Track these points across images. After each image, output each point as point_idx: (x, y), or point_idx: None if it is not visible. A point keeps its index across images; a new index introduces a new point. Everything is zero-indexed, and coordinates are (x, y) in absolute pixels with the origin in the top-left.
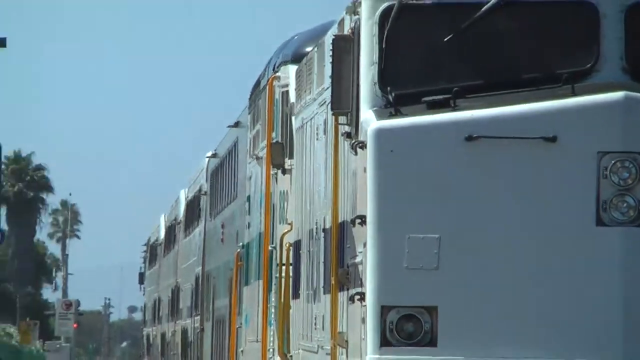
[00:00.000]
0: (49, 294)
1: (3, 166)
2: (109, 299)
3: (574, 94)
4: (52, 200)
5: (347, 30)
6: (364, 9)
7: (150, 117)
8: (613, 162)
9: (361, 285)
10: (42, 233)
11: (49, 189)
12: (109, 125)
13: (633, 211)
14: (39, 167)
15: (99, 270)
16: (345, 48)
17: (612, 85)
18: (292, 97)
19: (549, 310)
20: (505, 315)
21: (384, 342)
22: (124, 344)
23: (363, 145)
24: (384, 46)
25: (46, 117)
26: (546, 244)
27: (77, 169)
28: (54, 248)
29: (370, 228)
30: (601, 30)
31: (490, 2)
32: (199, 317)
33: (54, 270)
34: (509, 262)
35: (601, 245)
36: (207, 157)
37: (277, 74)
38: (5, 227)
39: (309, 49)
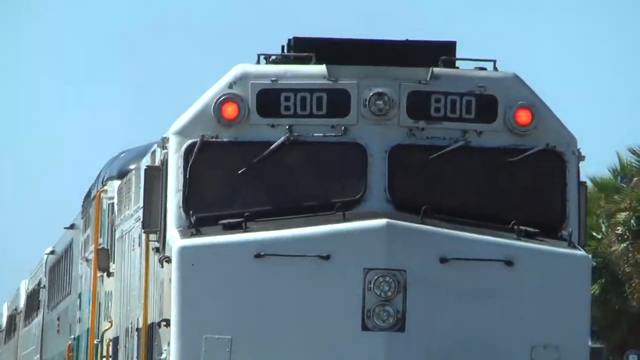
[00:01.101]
0: None
1: None
2: None
3: (345, 220)
4: None
5: (158, 161)
6: (172, 144)
7: None
8: (376, 277)
9: None
10: None
11: None
12: None
13: (392, 318)
14: None
15: None
16: (155, 176)
17: (377, 213)
18: (116, 210)
19: None
20: None
21: None
22: None
23: (169, 260)
24: (187, 176)
25: None
26: (321, 345)
27: None
28: None
29: (173, 330)
30: (369, 167)
31: (278, 142)
32: None
33: None
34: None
35: (366, 348)
36: (46, 253)
37: (105, 187)
38: None
39: (133, 166)
